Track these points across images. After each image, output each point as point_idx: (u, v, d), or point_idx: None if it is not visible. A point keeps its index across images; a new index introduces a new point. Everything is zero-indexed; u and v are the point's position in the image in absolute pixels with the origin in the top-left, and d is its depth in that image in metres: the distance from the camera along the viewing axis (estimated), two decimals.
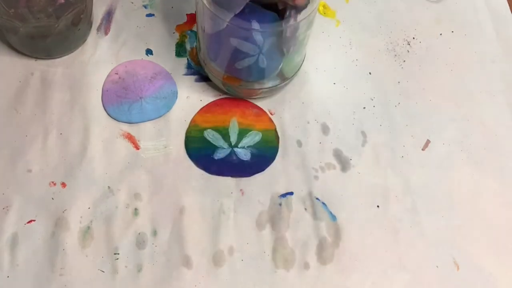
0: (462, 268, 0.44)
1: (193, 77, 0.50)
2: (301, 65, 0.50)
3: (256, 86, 0.47)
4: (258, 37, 0.42)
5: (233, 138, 0.47)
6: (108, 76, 0.49)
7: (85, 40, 0.51)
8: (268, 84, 0.47)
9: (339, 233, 0.44)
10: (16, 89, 0.48)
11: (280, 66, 0.46)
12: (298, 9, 0.41)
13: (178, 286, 0.42)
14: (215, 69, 0.47)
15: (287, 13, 0.41)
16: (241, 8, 0.40)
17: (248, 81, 0.47)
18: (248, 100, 0.49)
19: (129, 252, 0.43)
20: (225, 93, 0.49)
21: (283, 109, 0.49)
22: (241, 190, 0.45)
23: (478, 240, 0.45)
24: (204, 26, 0.45)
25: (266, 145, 0.48)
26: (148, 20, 0.53)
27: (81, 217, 0.44)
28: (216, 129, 0.48)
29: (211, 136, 0.47)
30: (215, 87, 0.50)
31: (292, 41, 0.44)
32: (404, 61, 0.53)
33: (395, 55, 0.53)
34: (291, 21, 0.41)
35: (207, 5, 0.41)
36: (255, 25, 0.41)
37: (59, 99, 0.48)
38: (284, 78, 0.48)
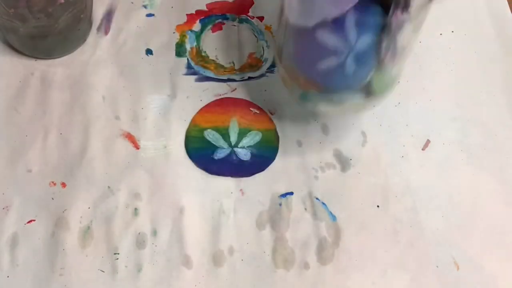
0: (462, 268, 0.44)
1: (193, 77, 0.50)
2: (395, 84, 0.41)
3: (336, 99, 0.39)
4: (351, 31, 0.34)
5: (233, 138, 0.47)
6: None
7: (85, 40, 0.51)
8: (351, 99, 0.39)
9: (339, 233, 0.44)
10: (16, 89, 0.48)
11: (370, 76, 0.37)
12: None
13: (178, 286, 0.42)
14: (292, 72, 0.39)
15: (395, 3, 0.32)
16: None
17: (328, 89, 0.38)
18: (248, 100, 0.49)
19: (129, 252, 0.43)
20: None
21: (283, 109, 0.49)
22: (241, 190, 0.45)
23: (478, 240, 0.45)
24: (290, 18, 0.36)
25: (266, 145, 0.47)
26: (148, 20, 0.53)
27: (81, 217, 0.44)
28: (216, 129, 0.48)
29: (211, 136, 0.47)
30: (215, 86, 0.49)
31: (392, 44, 0.36)
32: None
33: None
34: (399, 15, 0.33)
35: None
36: (350, 16, 0.33)
37: (59, 99, 0.48)
38: (370, 95, 0.39)
